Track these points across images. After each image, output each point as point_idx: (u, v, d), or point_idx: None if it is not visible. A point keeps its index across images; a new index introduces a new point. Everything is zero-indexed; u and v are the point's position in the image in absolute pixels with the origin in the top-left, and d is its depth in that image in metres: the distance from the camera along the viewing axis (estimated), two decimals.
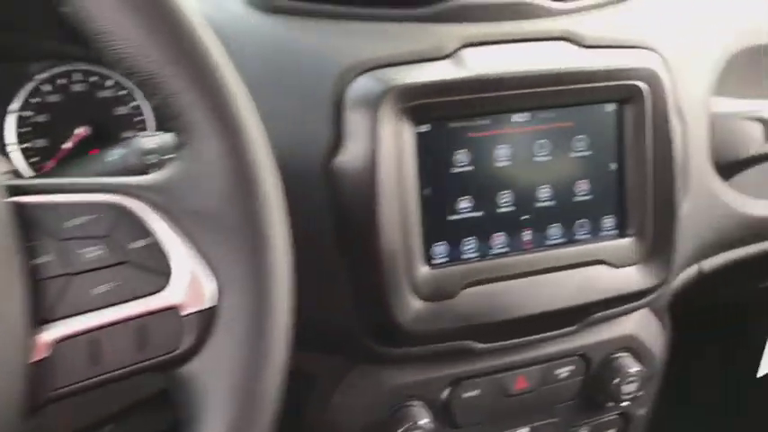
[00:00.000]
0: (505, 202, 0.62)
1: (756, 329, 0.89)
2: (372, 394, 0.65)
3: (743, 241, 0.81)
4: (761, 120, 0.74)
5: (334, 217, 0.58)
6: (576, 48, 0.64)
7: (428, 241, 0.60)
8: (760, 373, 0.89)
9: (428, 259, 0.61)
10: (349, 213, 0.58)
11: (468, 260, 0.62)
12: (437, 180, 0.60)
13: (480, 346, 0.65)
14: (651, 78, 0.64)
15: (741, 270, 0.86)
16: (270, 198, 0.39)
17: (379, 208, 0.57)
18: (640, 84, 0.64)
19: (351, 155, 0.57)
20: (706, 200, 0.73)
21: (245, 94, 0.39)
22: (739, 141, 0.74)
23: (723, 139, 0.73)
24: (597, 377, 0.72)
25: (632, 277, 0.67)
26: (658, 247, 0.67)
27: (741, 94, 0.79)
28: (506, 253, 0.63)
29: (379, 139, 0.56)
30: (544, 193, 0.63)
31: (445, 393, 0.67)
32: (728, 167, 0.74)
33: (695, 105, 0.71)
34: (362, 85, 0.57)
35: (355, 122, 0.57)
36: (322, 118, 0.58)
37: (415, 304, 0.60)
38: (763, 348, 0.88)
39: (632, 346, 0.73)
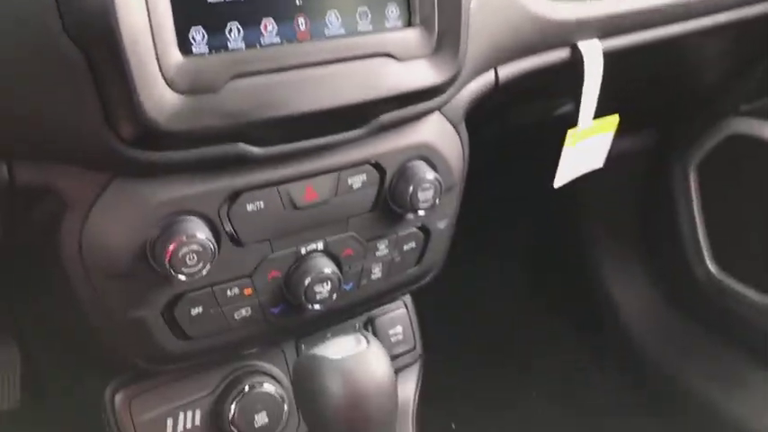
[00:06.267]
0: None
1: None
2: (136, 211, 0.57)
3: (539, 46, 0.79)
4: None
5: None
6: None
7: (182, 25, 0.53)
8: (556, 185, 0.91)
9: (184, 46, 0.53)
10: None
11: (233, 50, 0.55)
12: None
13: (256, 150, 0.58)
14: None
15: (538, 84, 0.85)
16: None
17: None
18: None
19: None
20: None
21: None
22: None
23: None
24: (392, 187, 0.69)
25: (420, 71, 0.63)
26: (446, 39, 0.63)
27: None
28: (278, 43, 0.57)
29: None
30: None
31: (224, 208, 0.60)
32: None
33: None
34: None
35: None
36: None
37: (171, 98, 0.52)
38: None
39: (427, 154, 0.70)
